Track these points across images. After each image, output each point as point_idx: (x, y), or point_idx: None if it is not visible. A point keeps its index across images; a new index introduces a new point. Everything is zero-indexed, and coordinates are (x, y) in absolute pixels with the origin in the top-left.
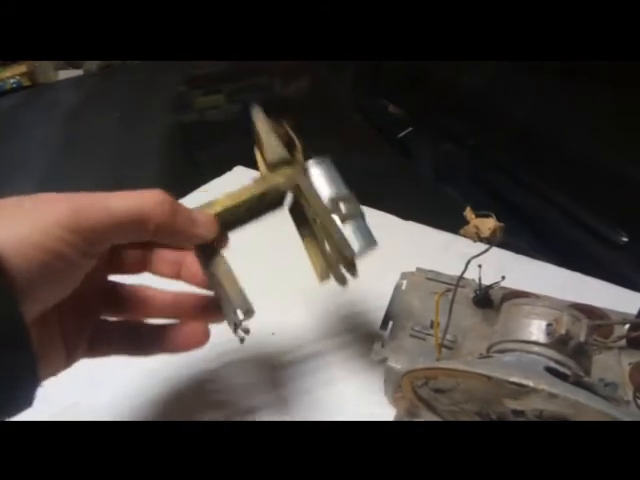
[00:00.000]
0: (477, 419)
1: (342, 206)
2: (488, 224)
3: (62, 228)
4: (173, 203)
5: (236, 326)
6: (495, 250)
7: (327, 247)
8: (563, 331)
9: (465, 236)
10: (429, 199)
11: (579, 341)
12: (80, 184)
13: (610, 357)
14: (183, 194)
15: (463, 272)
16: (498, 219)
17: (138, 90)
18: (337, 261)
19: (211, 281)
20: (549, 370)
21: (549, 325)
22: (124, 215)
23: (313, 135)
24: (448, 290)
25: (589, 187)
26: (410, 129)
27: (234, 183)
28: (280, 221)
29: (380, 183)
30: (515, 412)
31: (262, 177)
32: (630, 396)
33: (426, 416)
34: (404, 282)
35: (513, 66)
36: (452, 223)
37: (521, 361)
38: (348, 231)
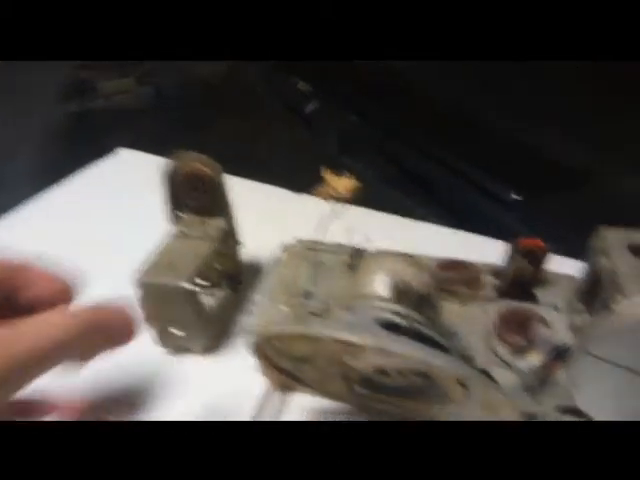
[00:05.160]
0: (344, 384)
1: None
2: (345, 183)
3: None
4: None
5: None
6: (385, 216)
7: None
8: (401, 284)
9: (318, 197)
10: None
11: (420, 293)
12: None
13: (476, 308)
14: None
15: (324, 236)
16: (400, 188)
17: (28, 74)
18: None
19: None
20: (384, 323)
21: (392, 279)
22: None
23: (228, 114)
24: (327, 258)
25: (482, 150)
26: (315, 104)
27: (118, 166)
28: None
29: (286, 159)
30: (378, 372)
31: None
32: (495, 345)
33: (301, 390)
34: (284, 254)
35: None
36: (358, 193)
37: (360, 317)
38: None
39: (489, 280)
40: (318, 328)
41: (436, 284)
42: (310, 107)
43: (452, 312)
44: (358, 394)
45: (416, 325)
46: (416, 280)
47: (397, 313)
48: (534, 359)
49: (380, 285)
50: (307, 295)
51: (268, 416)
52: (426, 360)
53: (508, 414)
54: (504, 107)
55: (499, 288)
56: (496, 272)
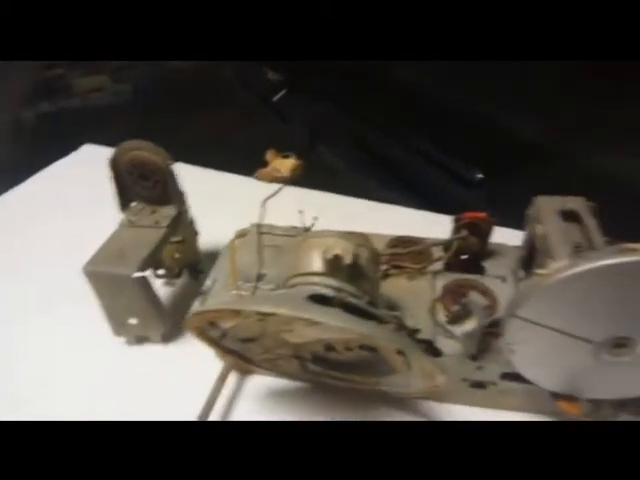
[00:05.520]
0: (295, 363)
1: None
2: (287, 164)
3: None
4: None
5: None
6: (346, 199)
7: None
8: (335, 259)
9: (260, 179)
10: (304, 159)
11: (353, 266)
12: None
13: (423, 282)
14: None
15: (264, 216)
16: (370, 172)
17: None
18: None
19: None
20: (314, 297)
21: (326, 255)
22: None
23: (201, 106)
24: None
25: (448, 132)
26: (284, 92)
27: (83, 162)
28: None
29: (257, 148)
30: (328, 349)
31: None
32: (438, 316)
33: (258, 371)
34: (238, 240)
35: None
36: (328, 180)
37: (293, 292)
38: None
39: (438, 254)
40: (242, 304)
41: (384, 260)
42: (280, 96)
43: (400, 286)
44: (311, 372)
45: (346, 297)
46: (350, 255)
47: (328, 286)
48: (469, 326)
49: (315, 261)
50: (260, 278)
51: (222, 399)
52: (348, 328)
53: (444, 381)
54: (472, 91)
55: (447, 262)
56: (445, 247)
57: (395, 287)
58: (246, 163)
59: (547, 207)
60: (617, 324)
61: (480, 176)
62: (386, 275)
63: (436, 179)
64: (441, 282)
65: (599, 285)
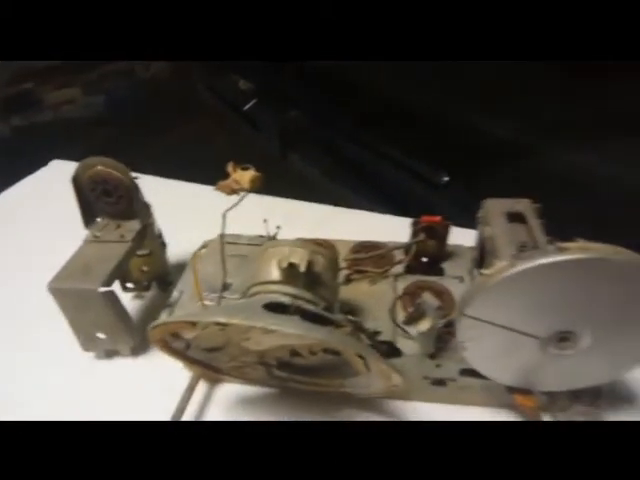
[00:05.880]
0: (262, 369)
1: None
2: (247, 176)
3: None
4: None
5: None
6: (315, 206)
7: None
8: (292, 267)
9: (220, 190)
10: (276, 168)
11: (308, 273)
12: None
13: (385, 285)
14: None
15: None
16: (339, 179)
17: None
18: None
19: None
20: (269, 305)
21: (282, 264)
22: None
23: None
24: (249, 250)
25: (416, 136)
26: (255, 101)
27: (51, 178)
28: None
29: (228, 158)
30: (292, 353)
31: None
32: (397, 318)
33: (226, 379)
34: (204, 250)
35: None
36: (299, 187)
37: (251, 301)
38: None
39: (399, 258)
40: (198, 315)
41: (347, 265)
42: (250, 105)
43: (362, 290)
44: (278, 377)
45: (303, 304)
46: (305, 262)
47: (285, 294)
48: (423, 326)
49: (272, 270)
50: (227, 287)
51: (192, 408)
52: (301, 334)
53: (400, 381)
54: (438, 93)
55: (408, 265)
56: (406, 250)
57: (357, 291)
58: (217, 174)
59: (495, 209)
60: (560, 319)
61: (446, 179)
62: (349, 280)
63: (404, 183)
64: (402, 285)
65: (539, 283)
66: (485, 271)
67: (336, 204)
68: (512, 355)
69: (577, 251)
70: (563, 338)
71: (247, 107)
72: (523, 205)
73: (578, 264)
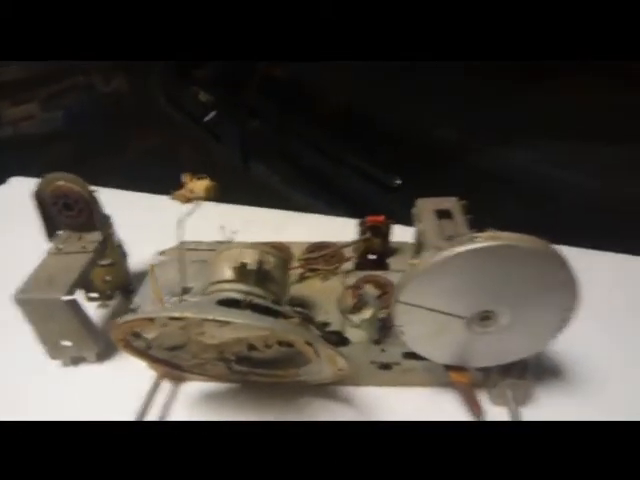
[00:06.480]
0: (222, 365)
1: None
2: (202, 185)
3: None
4: None
5: None
6: (274, 212)
7: None
8: (243, 267)
9: (175, 199)
10: (238, 177)
11: (259, 272)
12: None
13: (335, 281)
14: None
15: (181, 233)
16: (299, 185)
17: None
18: None
19: None
20: (222, 301)
21: (234, 264)
22: None
23: (132, 130)
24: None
25: (371, 143)
26: (214, 112)
27: (10, 195)
28: None
29: (189, 169)
30: (249, 348)
31: None
32: (345, 310)
33: (190, 377)
34: (165, 257)
35: None
36: (260, 195)
37: (205, 299)
38: None
39: (349, 256)
40: (154, 312)
41: (301, 264)
42: (210, 116)
43: (314, 287)
44: (238, 372)
45: (253, 299)
46: (255, 262)
47: (237, 291)
48: (365, 314)
49: (226, 271)
50: (187, 291)
51: (157, 407)
52: (249, 324)
53: (344, 364)
54: (390, 103)
55: (357, 262)
56: (355, 248)
57: (310, 287)
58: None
59: (425, 207)
60: (480, 300)
61: (398, 182)
62: (303, 278)
63: (360, 187)
64: (351, 280)
65: (458, 269)
66: (413, 261)
67: (296, 209)
68: (443, 335)
69: (488, 239)
70: (485, 317)
71: (207, 119)
72: (450, 203)
73: (488, 251)
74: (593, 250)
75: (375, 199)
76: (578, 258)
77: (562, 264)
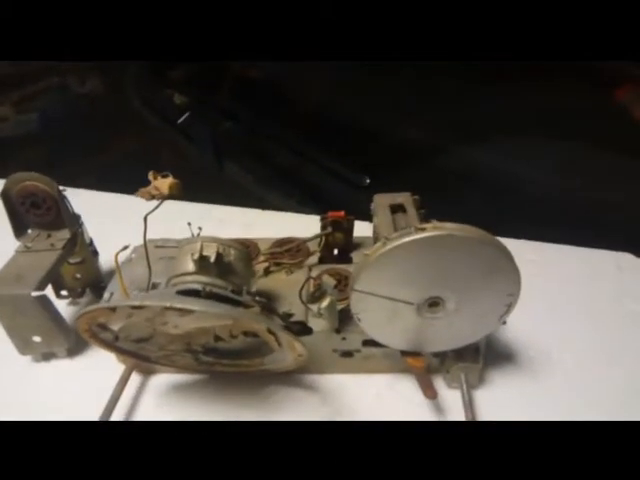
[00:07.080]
0: (189, 356)
1: None
2: (166, 183)
3: None
4: None
5: None
6: (245, 210)
7: None
8: (203, 259)
9: (140, 196)
10: (212, 177)
11: (218, 263)
12: None
13: (300, 275)
14: None
15: (145, 230)
16: (272, 185)
17: None
18: None
19: None
20: (183, 292)
21: (193, 255)
22: None
23: (107, 132)
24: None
25: (341, 143)
26: (188, 114)
27: None
28: None
29: (164, 169)
30: (215, 339)
31: None
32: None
33: (158, 369)
34: (133, 254)
35: None
36: (234, 194)
37: (168, 290)
38: None
39: (314, 250)
40: (116, 302)
41: (266, 259)
42: (184, 118)
43: (279, 280)
44: (205, 362)
45: (213, 289)
46: (214, 254)
47: (197, 282)
48: (324, 303)
49: (188, 263)
50: (155, 286)
51: (127, 399)
52: (207, 311)
53: (302, 349)
54: (360, 104)
55: (321, 256)
56: (319, 243)
57: (275, 281)
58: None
59: (381, 202)
60: (427, 287)
61: (368, 181)
62: (269, 272)
63: (331, 186)
64: (315, 273)
65: (404, 257)
66: (366, 252)
67: (269, 208)
68: (396, 321)
69: (430, 230)
70: (433, 303)
71: (181, 120)
72: (404, 198)
73: (432, 240)
74: (549, 243)
75: (345, 197)
76: (536, 249)
77: (501, 251)
